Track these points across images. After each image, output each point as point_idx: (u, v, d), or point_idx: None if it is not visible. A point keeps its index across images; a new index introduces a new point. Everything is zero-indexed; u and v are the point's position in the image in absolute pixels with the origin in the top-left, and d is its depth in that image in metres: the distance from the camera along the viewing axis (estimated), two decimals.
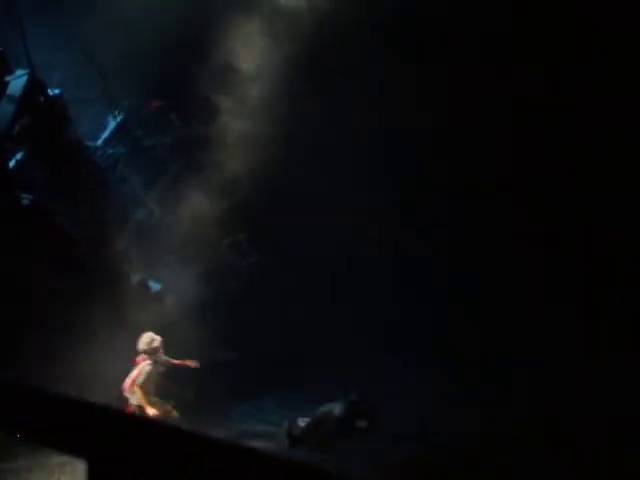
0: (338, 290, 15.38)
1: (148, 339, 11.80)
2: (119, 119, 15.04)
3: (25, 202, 12.44)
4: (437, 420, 12.75)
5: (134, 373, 11.61)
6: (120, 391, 11.57)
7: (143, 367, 11.65)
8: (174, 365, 12.00)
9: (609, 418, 11.35)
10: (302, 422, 12.82)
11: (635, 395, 11.50)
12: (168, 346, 12.02)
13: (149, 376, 11.62)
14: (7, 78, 13.00)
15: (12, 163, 12.86)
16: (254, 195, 15.82)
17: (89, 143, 14.64)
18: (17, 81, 13.00)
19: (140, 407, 11.43)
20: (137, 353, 11.73)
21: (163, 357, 11.91)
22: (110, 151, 14.80)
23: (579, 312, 13.68)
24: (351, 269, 15.50)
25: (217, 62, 15.53)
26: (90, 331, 11.93)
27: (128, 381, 11.56)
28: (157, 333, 12.78)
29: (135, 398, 11.48)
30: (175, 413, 11.83)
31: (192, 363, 12.11)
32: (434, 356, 14.18)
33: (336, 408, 12.76)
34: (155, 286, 14.05)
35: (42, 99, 13.28)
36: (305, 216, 15.26)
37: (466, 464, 11.21)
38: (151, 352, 11.74)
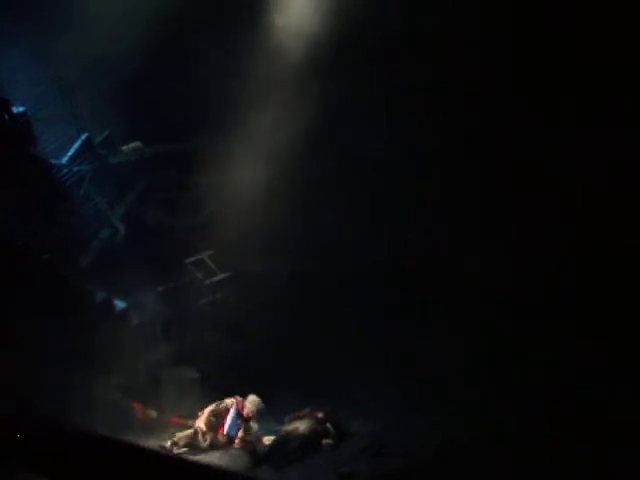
0: (307, 304, 15.27)
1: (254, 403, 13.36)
2: (84, 137, 15.00)
3: None
4: (408, 432, 12.87)
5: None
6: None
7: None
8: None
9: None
10: (267, 440, 12.84)
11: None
12: None
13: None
14: None
15: None
16: (220, 213, 15.89)
17: (54, 161, 14.61)
18: None
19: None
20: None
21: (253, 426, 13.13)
22: (75, 169, 14.77)
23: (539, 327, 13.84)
24: (320, 282, 15.44)
25: (187, 80, 15.62)
26: (54, 348, 11.93)
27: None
28: (121, 351, 12.93)
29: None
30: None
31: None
32: (408, 368, 14.21)
33: (302, 426, 12.77)
34: (120, 304, 14.02)
35: (6, 117, 13.24)
36: (272, 232, 15.29)
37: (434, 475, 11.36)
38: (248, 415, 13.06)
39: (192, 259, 15.43)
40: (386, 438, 12.89)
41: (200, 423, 13.04)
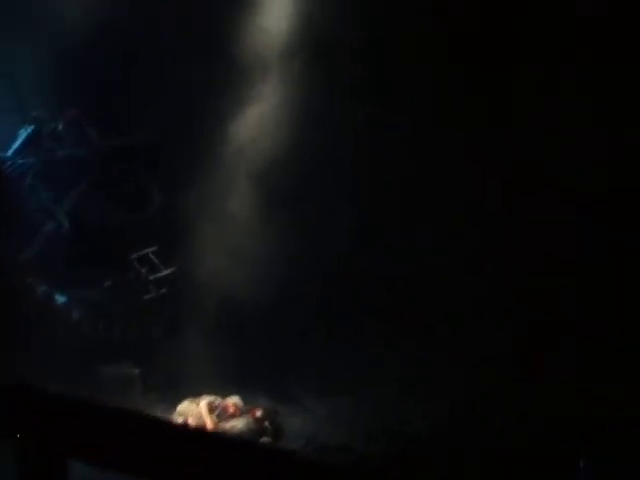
0: (260, 301, 15.20)
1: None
2: (30, 130, 14.89)
3: None
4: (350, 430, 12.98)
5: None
6: None
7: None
8: None
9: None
10: None
11: None
12: None
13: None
14: None
15: None
16: (168, 206, 15.85)
17: None
18: None
19: None
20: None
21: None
22: (20, 162, 14.67)
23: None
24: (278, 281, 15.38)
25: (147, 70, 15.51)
26: None
27: None
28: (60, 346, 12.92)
29: None
30: None
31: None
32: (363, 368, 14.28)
33: (239, 424, 12.82)
34: (60, 299, 13.98)
35: None
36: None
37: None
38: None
39: (137, 255, 15.36)
40: (327, 436, 13.04)
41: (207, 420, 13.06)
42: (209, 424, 13.02)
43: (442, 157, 14.71)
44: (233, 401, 13.38)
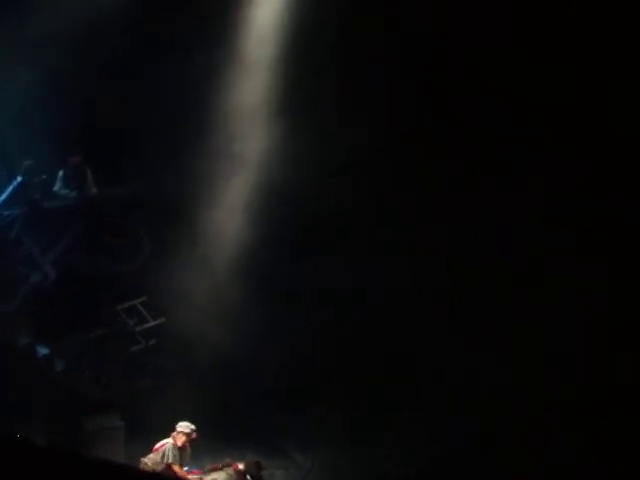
0: (243, 355, 15.20)
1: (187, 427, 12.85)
2: (17, 181, 14.88)
3: None
4: None
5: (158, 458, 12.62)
6: None
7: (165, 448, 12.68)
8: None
9: None
10: None
11: None
12: None
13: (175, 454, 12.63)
14: None
15: None
16: (155, 258, 15.83)
17: None
18: None
19: None
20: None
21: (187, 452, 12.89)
22: (6, 213, 14.65)
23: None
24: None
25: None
26: None
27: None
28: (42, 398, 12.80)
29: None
30: None
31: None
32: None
33: (219, 478, 12.65)
34: (43, 350, 13.89)
35: None
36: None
37: None
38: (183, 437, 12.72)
39: (124, 305, 15.26)
40: None
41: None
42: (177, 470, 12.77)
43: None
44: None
